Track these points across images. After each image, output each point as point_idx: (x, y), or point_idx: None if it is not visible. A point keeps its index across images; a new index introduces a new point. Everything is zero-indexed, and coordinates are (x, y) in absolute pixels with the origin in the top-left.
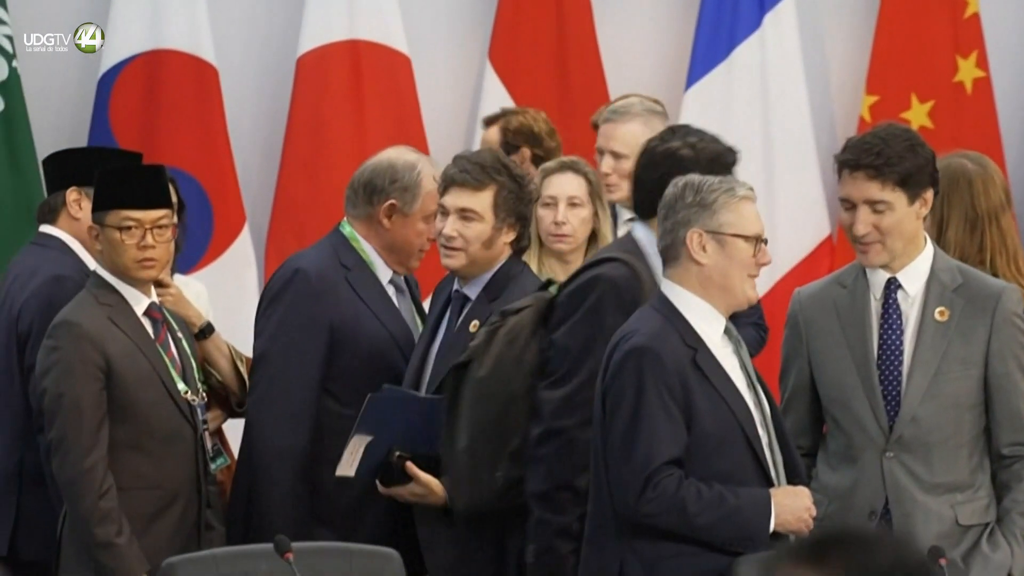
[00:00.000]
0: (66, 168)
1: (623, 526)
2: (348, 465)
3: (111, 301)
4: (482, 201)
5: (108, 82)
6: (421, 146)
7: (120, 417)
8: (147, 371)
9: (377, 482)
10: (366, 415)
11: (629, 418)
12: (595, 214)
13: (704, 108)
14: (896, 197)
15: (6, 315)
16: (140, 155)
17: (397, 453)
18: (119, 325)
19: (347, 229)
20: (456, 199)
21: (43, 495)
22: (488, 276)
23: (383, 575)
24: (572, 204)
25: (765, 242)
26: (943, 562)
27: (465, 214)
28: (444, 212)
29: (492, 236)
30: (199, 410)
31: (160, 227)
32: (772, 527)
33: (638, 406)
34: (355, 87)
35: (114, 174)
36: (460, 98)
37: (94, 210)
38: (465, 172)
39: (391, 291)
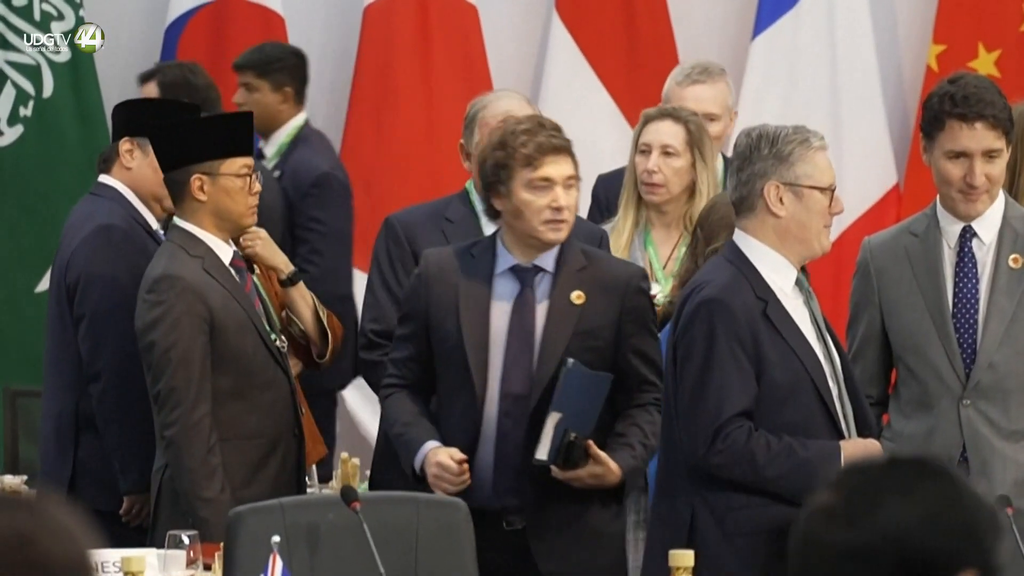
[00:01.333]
0: (121, 118)
1: (694, 476)
2: (543, 448)
3: (200, 252)
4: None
5: (175, 32)
6: None
7: (223, 368)
8: (244, 320)
9: (553, 467)
10: (564, 391)
11: (699, 369)
12: (692, 165)
13: (771, 58)
14: (1003, 145)
15: (59, 265)
16: (198, 107)
17: (573, 435)
18: (214, 276)
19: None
20: (563, 168)
21: (98, 443)
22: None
23: (452, 524)
24: (666, 153)
25: (834, 190)
26: (1010, 511)
27: (569, 182)
28: (547, 184)
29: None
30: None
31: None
32: None
33: (709, 357)
34: (422, 37)
35: (225, 122)
36: (527, 48)
37: (200, 159)
38: (559, 139)
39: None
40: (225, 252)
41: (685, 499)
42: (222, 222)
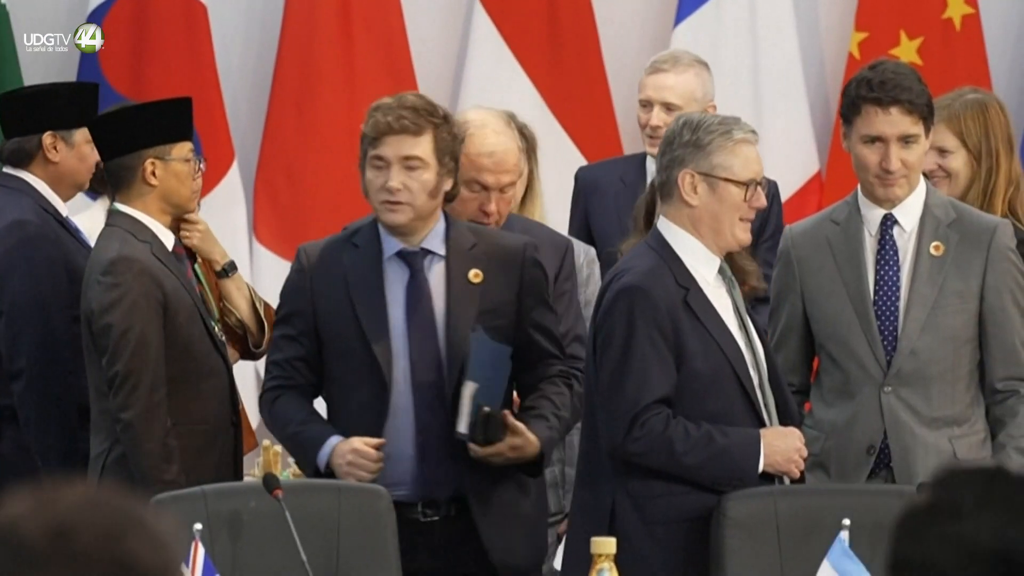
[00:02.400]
0: (35, 111)
1: (614, 465)
2: (464, 422)
3: (147, 238)
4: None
5: (98, 17)
6: (409, 84)
7: (172, 354)
8: (191, 307)
9: (471, 445)
10: (475, 360)
11: (618, 357)
12: None
13: (693, 44)
14: (921, 131)
15: None
16: (96, 86)
17: (487, 408)
18: (163, 261)
19: None
20: (400, 148)
21: (20, 437)
22: (441, 227)
23: (373, 512)
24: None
25: (761, 184)
26: None
27: (409, 163)
28: (383, 164)
29: (437, 184)
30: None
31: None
32: (761, 467)
33: (628, 345)
34: (344, 23)
35: (174, 107)
36: (449, 35)
37: (152, 143)
38: (402, 119)
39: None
40: (168, 239)
41: (606, 487)
42: (168, 207)
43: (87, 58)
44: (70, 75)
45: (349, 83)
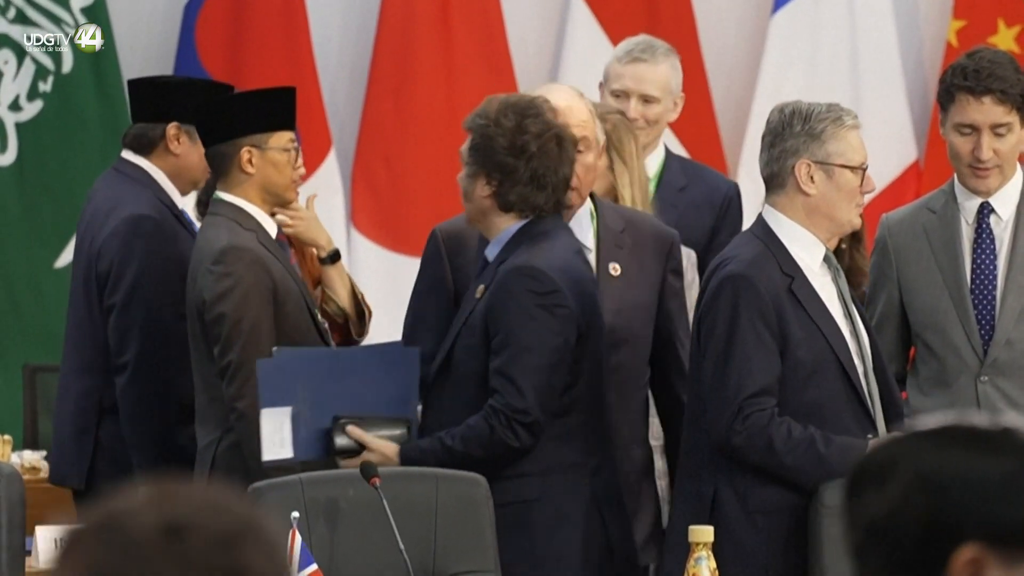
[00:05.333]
0: (165, 101)
1: (716, 454)
2: (277, 446)
3: (252, 226)
4: None
5: (194, 8)
6: (507, 72)
7: (281, 342)
8: (298, 295)
9: (340, 460)
10: (265, 385)
11: (722, 347)
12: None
13: (790, 33)
14: (1015, 120)
15: (86, 249)
16: (231, 87)
17: (343, 419)
18: (269, 249)
19: None
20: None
21: (119, 430)
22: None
23: (471, 499)
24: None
25: (866, 169)
26: None
27: None
28: None
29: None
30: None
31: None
32: None
33: (731, 335)
34: (442, 11)
35: (275, 96)
36: (547, 24)
37: (249, 132)
38: None
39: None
40: (271, 226)
41: (709, 476)
42: (267, 195)
43: (185, 48)
44: (167, 65)
45: (447, 71)
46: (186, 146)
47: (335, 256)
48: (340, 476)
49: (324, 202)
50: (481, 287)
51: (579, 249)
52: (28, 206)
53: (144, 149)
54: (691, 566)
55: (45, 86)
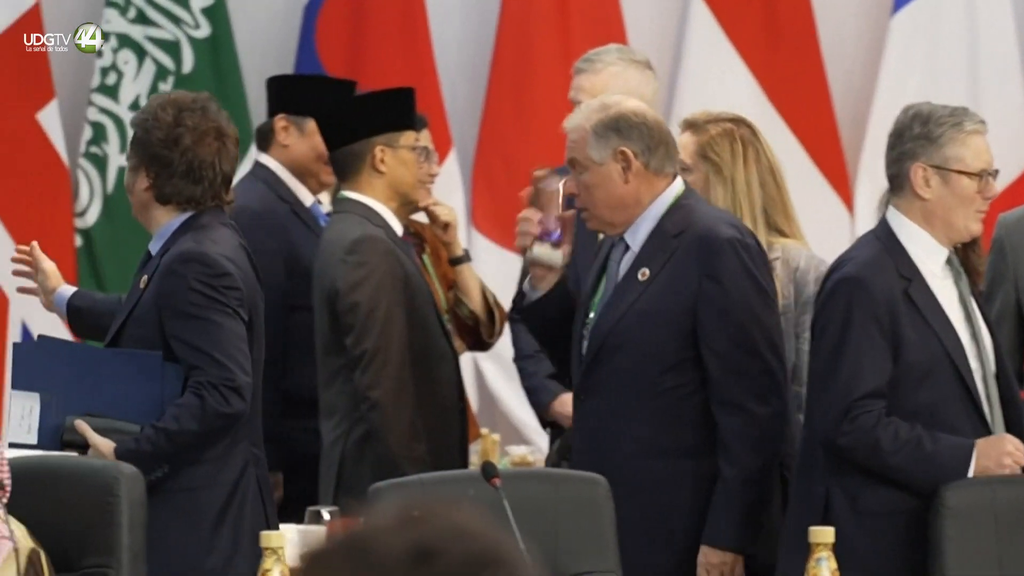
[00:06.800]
0: (274, 93)
1: (827, 455)
2: (23, 430)
3: (380, 223)
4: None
5: (315, 6)
6: None
7: (411, 335)
8: (425, 291)
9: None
10: (19, 368)
11: (832, 348)
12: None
13: (911, 33)
14: None
15: None
16: (354, 83)
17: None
18: (397, 246)
19: None
20: None
21: None
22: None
23: (591, 499)
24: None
25: (993, 175)
26: None
27: None
28: None
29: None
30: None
31: None
32: (971, 475)
33: (843, 337)
34: (561, 10)
35: (399, 96)
36: (667, 23)
37: (380, 131)
38: None
39: None
40: (398, 226)
41: (820, 477)
42: (396, 194)
43: (305, 47)
44: (288, 65)
45: (566, 70)
46: (294, 137)
47: (464, 257)
48: (461, 476)
49: (444, 201)
50: (144, 278)
51: (241, 243)
52: None
53: (261, 144)
54: (811, 567)
55: (165, 86)
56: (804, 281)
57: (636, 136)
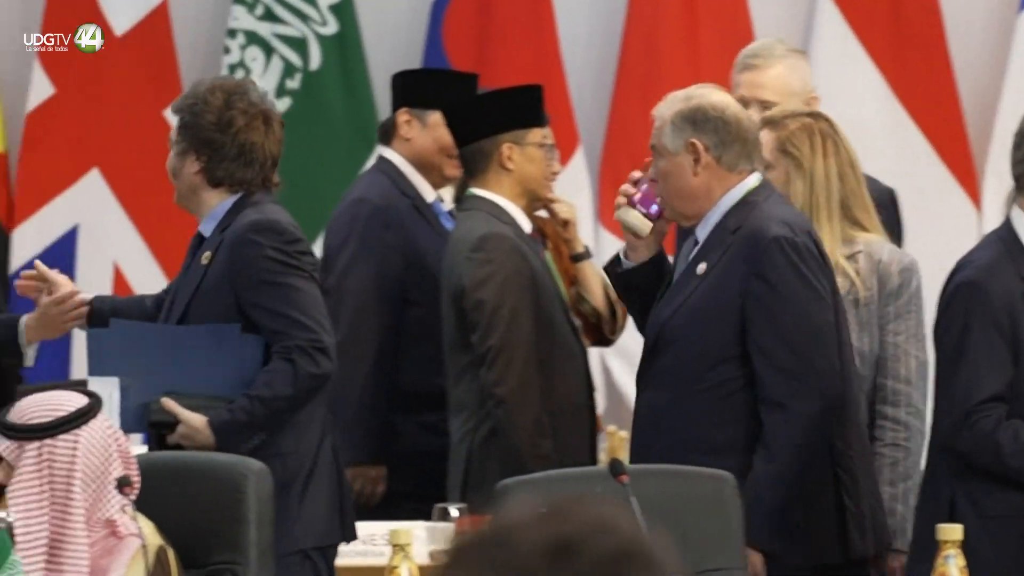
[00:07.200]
0: (397, 88)
1: (949, 459)
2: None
3: (508, 220)
4: None
5: (442, 3)
6: None
7: (538, 332)
8: (552, 288)
9: (166, 436)
10: (95, 354)
11: (951, 353)
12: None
13: None
14: None
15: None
16: (476, 76)
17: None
18: (525, 243)
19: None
20: None
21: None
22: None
23: (719, 497)
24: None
25: None
26: None
27: None
28: None
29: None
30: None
31: None
32: None
33: (962, 342)
34: (688, 8)
35: (526, 93)
36: (794, 23)
37: (508, 128)
38: None
39: None
40: (526, 223)
41: (944, 480)
42: (523, 191)
43: (432, 44)
44: (415, 62)
45: (694, 69)
46: (417, 130)
47: (586, 254)
48: (588, 474)
49: (572, 199)
50: (207, 254)
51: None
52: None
53: (383, 139)
54: (939, 564)
55: (293, 83)
56: (887, 273)
57: (710, 129)
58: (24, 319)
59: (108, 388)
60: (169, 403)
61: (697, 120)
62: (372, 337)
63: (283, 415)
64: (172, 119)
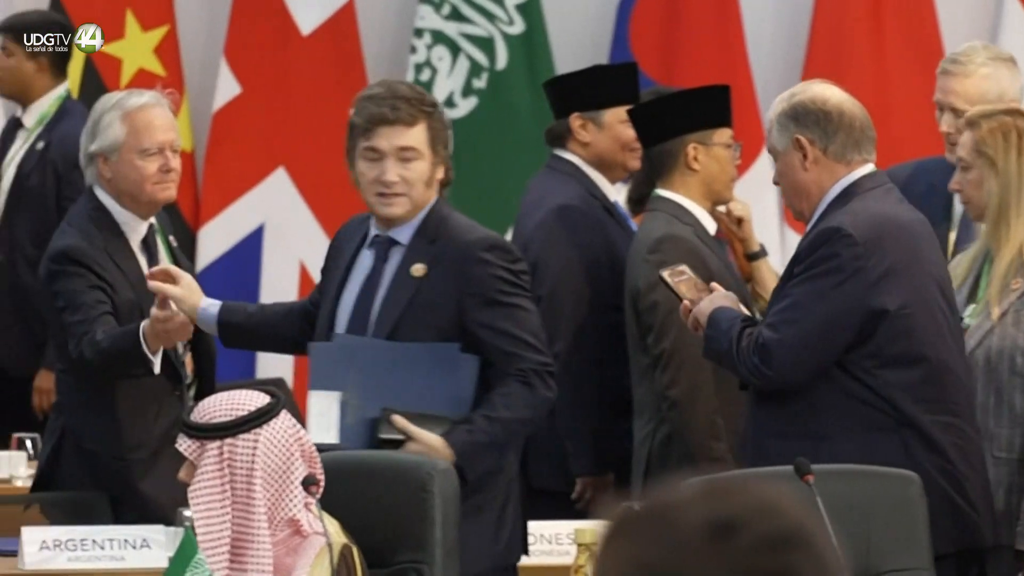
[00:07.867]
0: (558, 96)
1: None
2: (323, 429)
3: (690, 221)
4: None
5: (628, 3)
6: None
7: None
8: (733, 289)
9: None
10: (318, 368)
11: None
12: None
13: None
14: None
15: (518, 242)
16: (634, 64)
17: (390, 411)
18: (707, 245)
19: None
20: (395, 139)
21: (551, 422)
22: (420, 218)
23: (905, 497)
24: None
25: None
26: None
27: (404, 154)
28: (377, 155)
29: (431, 174)
30: None
31: None
32: None
33: None
34: (875, 9)
35: (713, 94)
36: (980, 21)
37: (695, 129)
38: (396, 109)
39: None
40: (710, 224)
41: None
42: (708, 191)
43: (618, 45)
44: (601, 61)
45: (879, 68)
46: (593, 132)
47: (761, 252)
48: (774, 473)
49: (758, 200)
50: (419, 267)
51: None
52: (460, 204)
53: (556, 142)
54: None
55: (479, 83)
56: None
57: (812, 123)
58: (142, 327)
59: (328, 401)
60: (400, 420)
61: (799, 115)
62: (593, 344)
63: (519, 437)
64: None
